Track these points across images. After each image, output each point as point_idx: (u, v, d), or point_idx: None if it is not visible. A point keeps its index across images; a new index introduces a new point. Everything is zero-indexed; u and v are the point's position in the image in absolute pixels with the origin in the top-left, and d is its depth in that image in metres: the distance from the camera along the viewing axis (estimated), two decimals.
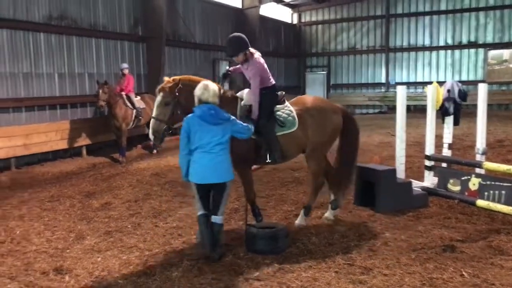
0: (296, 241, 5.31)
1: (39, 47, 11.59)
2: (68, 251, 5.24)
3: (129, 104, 11.99)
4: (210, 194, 4.91)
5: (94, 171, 10.20)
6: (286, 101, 5.77)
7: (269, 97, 5.62)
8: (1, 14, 10.65)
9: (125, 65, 12.48)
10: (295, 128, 5.59)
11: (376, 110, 23.97)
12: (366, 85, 24.77)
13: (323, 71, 25.76)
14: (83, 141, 11.96)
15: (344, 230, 5.69)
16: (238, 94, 5.69)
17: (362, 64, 24.79)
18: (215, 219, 4.84)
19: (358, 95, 24.61)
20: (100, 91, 11.23)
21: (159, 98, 5.13)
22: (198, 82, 5.17)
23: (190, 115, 4.83)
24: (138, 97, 12.55)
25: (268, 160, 5.55)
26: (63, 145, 11.44)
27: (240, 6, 20.75)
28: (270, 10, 23.33)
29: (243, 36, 5.53)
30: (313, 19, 25.92)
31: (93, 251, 5.24)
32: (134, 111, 12.04)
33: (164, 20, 14.91)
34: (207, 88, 4.82)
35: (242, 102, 5.54)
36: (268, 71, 5.69)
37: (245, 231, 5.20)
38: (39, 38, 11.58)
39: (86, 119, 12.55)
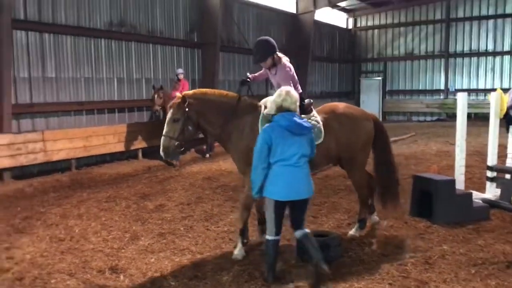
0: (348, 250, 5.18)
1: (100, 53, 12.08)
2: (123, 251, 5.38)
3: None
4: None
5: (149, 174, 10.47)
6: (313, 109, 5.44)
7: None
8: (66, 21, 11.20)
9: (180, 70, 12.75)
10: (320, 140, 5.20)
11: (434, 118, 23.14)
12: (424, 92, 23.96)
13: (378, 76, 25.20)
14: (139, 144, 12.31)
15: (399, 241, 5.49)
16: (261, 102, 5.36)
17: (420, 70, 24.01)
18: (302, 232, 4.42)
19: (415, 102, 23.85)
20: (156, 96, 11.53)
21: (169, 115, 5.07)
22: (211, 93, 5.22)
23: (270, 124, 4.33)
24: None
25: None
26: (120, 147, 11.84)
27: (294, 11, 20.71)
28: (325, 15, 23.13)
29: (271, 39, 5.35)
30: (369, 23, 25.44)
31: (146, 252, 5.35)
32: None
33: (219, 26, 15.13)
34: (289, 94, 4.33)
35: (265, 111, 5.13)
36: (296, 78, 5.46)
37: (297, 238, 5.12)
38: (100, 44, 12.08)
39: (142, 123, 12.92)
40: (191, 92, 5.21)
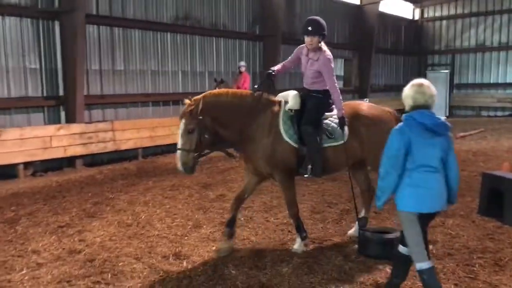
0: None
1: (166, 46, 12.46)
2: (186, 238, 5.55)
3: None
4: None
5: (211, 164, 10.68)
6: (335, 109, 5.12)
7: (322, 102, 5.05)
8: (135, 15, 11.63)
9: (242, 63, 12.88)
10: (343, 141, 4.95)
11: (506, 113, 21.88)
12: (496, 85, 22.69)
13: (446, 69, 24.14)
14: None
15: (466, 240, 5.27)
16: (280, 96, 5.10)
17: (492, 62, 22.74)
18: (424, 265, 3.53)
19: (486, 96, 22.66)
20: (217, 89, 11.72)
21: (181, 125, 4.58)
22: (223, 94, 4.85)
23: (405, 123, 3.54)
24: None
25: (307, 175, 4.93)
26: None
27: (358, 2, 20.27)
28: (390, 6, 22.44)
29: (324, 22, 5.01)
30: (437, 14, 24.41)
31: (208, 240, 5.48)
32: None
33: (281, 18, 15.11)
34: (422, 87, 3.54)
35: (287, 106, 4.93)
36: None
37: (359, 234, 5.06)
38: (166, 37, 12.45)
39: None
40: (200, 96, 4.71)
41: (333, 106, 5.07)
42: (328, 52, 4.98)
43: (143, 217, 6.46)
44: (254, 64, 15.30)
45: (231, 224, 5.09)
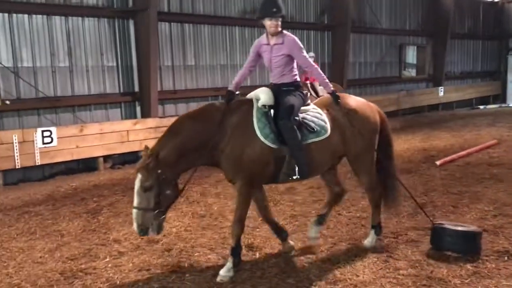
0: (494, 244, 4.76)
1: (234, 41, 12.61)
2: (258, 230, 5.61)
3: (312, 93, 12.21)
4: None
5: None
6: (311, 102, 4.72)
7: (296, 94, 4.49)
8: (204, 11, 11.87)
9: (311, 54, 12.69)
10: (327, 134, 4.49)
11: None
12: None
13: None
14: None
15: None
16: (251, 95, 4.53)
17: None
18: None
19: None
20: None
21: (136, 182, 4.01)
22: (182, 127, 4.20)
23: None
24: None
25: (296, 176, 4.37)
26: None
27: None
28: None
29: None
30: None
31: None
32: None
33: (351, 7, 14.77)
34: None
35: (260, 103, 4.38)
36: None
37: (432, 227, 4.84)
38: (234, 32, 12.60)
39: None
40: (156, 145, 4.14)
41: (308, 100, 4.63)
42: (290, 35, 4.45)
43: (215, 208, 6.61)
44: (323, 54, 15.09)
45: (276, 231, 4.87)
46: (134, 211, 3.99)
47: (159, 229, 4.08)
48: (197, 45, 11.87)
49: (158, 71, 10.98)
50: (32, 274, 4.58)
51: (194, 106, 11.82)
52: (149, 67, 10.50)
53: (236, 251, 4.37)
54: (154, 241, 5.35)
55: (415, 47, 19.96)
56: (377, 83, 17.59)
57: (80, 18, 9.86)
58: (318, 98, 5.01)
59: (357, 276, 4.24)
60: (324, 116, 4.54)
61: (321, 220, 5.07)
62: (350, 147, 4.68)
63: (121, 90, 10.71)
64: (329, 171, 5.00)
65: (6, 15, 8.79)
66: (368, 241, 4.93)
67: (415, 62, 20.19)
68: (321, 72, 4.59)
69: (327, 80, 4.55)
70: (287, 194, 7.25)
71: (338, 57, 14.97)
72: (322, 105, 4.69)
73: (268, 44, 4.47)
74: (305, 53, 4.46)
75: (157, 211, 3.98)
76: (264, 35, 4.53)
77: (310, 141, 4.39)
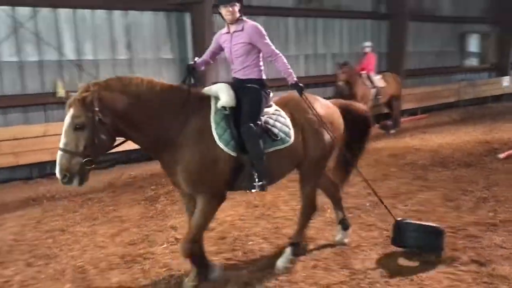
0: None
1: (288, 31, 12.55)
2: (311, 221, 5.56)
3: (368, 83, 11.98)
4: None
5: None
6: (273, 103, 4.27)
7: (261, 94, 4.03)
8: (259, 2, 11.87)
9: (367, 44, 12.46)
10: (291, 141, 4.08)
11: None
12: None
13: None
14: None
15: None
16: (210, 91, 4.00)
17: None
18: None
19: None
20: (340, 71, 11.52)
21: (67, 118, 3.37)
22: (137, 82, 3.62)
23: None
24: (379, 76, 12.41)
25: (255, 188, 3.88)
26: None
27: None
28: None
29: None
30: None
31: (333, 224, 5.45)
32: (374, 90, 11.98)
33: None
34: None
35: (219, 103, 3.86)
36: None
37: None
38: (289, 22, 12.53)
39: (326, 98, 13.04)
40: (102, 82, 3.55)
41: (270, 101, 4.21)
42: (252, 23, 4.06)
43: (268, 199, 6.65)
44: (379, 44, 14.70)
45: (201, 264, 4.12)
46: (59, 153, 3.34)
47: (82, 180, 3.41)
48: None
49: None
50: (94, 257, 4.82)
51: None
52: None
53: (202, 263, 3.97)
54: (209, 229, 5.47)
55: (478, 35, 19.02)
56: (437, 73, 16.96)
57: (138, 12, 10.15)
58: (280, 97, 4.47)
59: (413, 270, 4.15)
60: (288, 120, 4.13)
61: (344, 225, 4.91)
62: (308, 154, 4.26)
63: (178, 82, 10.91)
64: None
65: (70, 10, 9.19)
66: (280, 261, 4.33)
67: (477, 51, 19.25)
68: (285, 61, 4.08)
69: (291, 70, 4.10)
70: None
71: (395, 47, 14.51)
72: (285, 107, 4.25)
73: (228, 32, 4.09)
74: (267, 40, 4.02)
75: (86, 158, 3.35)
76: (226, 24, 4.13)
77: (272, 149, 3.96)
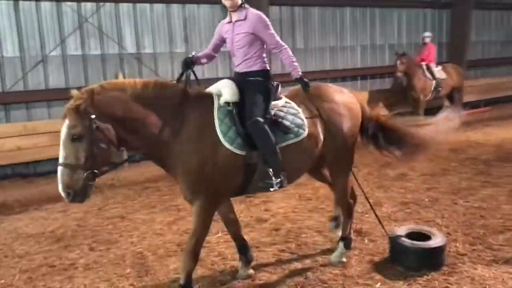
0: None
1: (345, 22, 12.33)
2: (366, 215, 5.49)
3: (428, 75, 11.56)
4: None
5: None
6: (283, 96, 4.01)
7: (266, 86, 3.78)
8: None
9: (427, 34, 12.01)
10: (305, 134, 3.82)
11: None
12: None
13: None
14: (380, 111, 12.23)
15: None
16: (211, 89, 3.77)
17: None
18: None
19: None
20: (398, 62, 11.19)
21: (63, 129, 3.13)
22: (130, 84, 3.39)
23: None
24: (439, 67, 11.94)
25: (273, 187, 3.61)
26: None
27: None
28: None
29: None
30: None
31: (389, 219, 5.34)
32: (434, 82, 11.55)
33: None
34: None
35: (222, 100, 3.63)
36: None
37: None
38: (345, 12, 12.30)
39: (383, 90, 12.74)
40: (96, 86, 3.28)
41: (280, 93, 3.94)
42: (255, 12, 3.80)
43: (322, 192, 6.59)
44: (440, 34, 14.15)
45: (243, 250, 4.17)
46: (59, 168, 3.10)
47: (83, 196, 3.18)
48: (306, 27, 11.80)
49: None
50: (153, 244, 4.98)
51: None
52: None
53: (188, 284, 3.57)
54: (262, 220, 5.52)
55: None
56: (502, 63, 16.07)
57: (195, 5, 10.31)
58: (291, 90, 4.22)
59: (475, 269, 3.99)
60: (300, 112, 3.87)
61: (337, 223, 4.71)
62: (328, 147, 4.01)
63: (231, 75, 11.02)
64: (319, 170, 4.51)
65: (130, 5, 9.48)
66: (334, 256, 4.29)
67: None
68: (291, 54, 3.82)
69: (296, 64, 3.83)
70: (398, 180, 6.99)
71: (457, 37, 13.87)
72: (296, 98, 3.99)
73: (230, 22, 3.85)
74: (272, 31, 3.77)
75: (89, 171, 3.12)
76: (228, 13, 3.89)
77: (285, 143, 3.70)
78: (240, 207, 5.98)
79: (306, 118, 3.86)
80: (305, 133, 3.81)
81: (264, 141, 3.53)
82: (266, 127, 3.55)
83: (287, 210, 5.86)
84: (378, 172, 7.56)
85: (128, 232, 5.40)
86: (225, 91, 3.64)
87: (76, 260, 4.69)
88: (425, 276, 3.92)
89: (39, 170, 8.48)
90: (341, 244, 4.36)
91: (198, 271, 4.25)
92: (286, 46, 3.81)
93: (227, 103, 3.61)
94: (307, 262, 4.35)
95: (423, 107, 11.52)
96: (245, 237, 4.33)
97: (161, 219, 5.80)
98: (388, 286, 3.84)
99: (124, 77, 9.15)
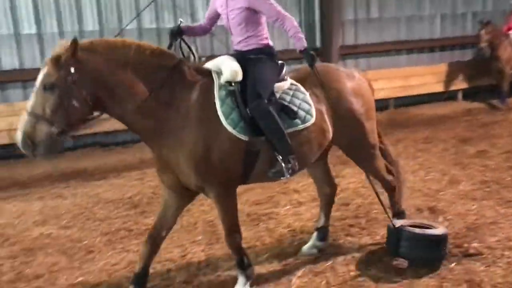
0: None
1: None
2: (441, 193, 5.27)
3: None
4: None
5: (470, 117, 9.77)
6: (288, 77, 3.61)
7: (269, 64, 3.43)
8: None
9: None
10: (313, 120, 3.45)
11: None
12: None
13: None
14: (460, 84, 11.56)
15: None
16: (210, 66, 3.40)
17: None
18: None
19: None
20: (482, 31, 10.44)
21: (38, 78, 2.90)
22: (123, 44, 3.07)
23: None
24: None
25: (285, 174, 3.29)
26: (439, 88, 11.39)
27: None
28: None
29: None
30: None
31: (467, 198, 5.09)
32: None
33: None
34: None
35: (223, 79, 3.27)
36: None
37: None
38: None
39: (464, 62, 11.97)
40: (86, 41, 3.03)
41: (284, 74, 3.56)
42: None
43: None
44: None
45: (138, 280, 3.41)
46: (23, 117, 2.86)
47: (46, 151, 2.88)
48: None
49: (340, 26, 10.80)
50: None
51: (375, 61, 11.43)
52: (331, 22, 10.40)
53: (242, 263, 3.46)
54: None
55: None
56: None
57: None
58: (295, 70, 3.84)
59: None
60: (307, 96, 3.52)
61: (321, 235, 4.13)
62: (341, 134, 3.70)
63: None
64: (318, 164, 4.05)
65: None
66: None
67: None
68: (296, 24, 3.43)
69: (301, 35, 3.43)
70: (477, 157, 6.63)
71: None
72: (303, 80, 3.61)
73: None
74: (270, 0, 3.38)
75: (53, 127, 2.83)
76: None
77: (291, 130, 3.36)
78: (308, 181, 5.95)
79: (313, 103, 3.51)
80: (313, 119, 3.45)
81: (270, 124, 3.20)
82: (271, 109, 3.23)
83: (357, 185, 5.76)
84: (456, 149, 7.21)
85: (199, 201, 5.56)
86: (226, 69, 3.26)
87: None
88: (505, 258, 3.71)
89: (117, 139, 8.91)
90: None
91: (267, 241, 4.32)
92: (288, 15, 3.42)
93: (229, 83, 3.26)
94: (378, 238, 4.26)
95: (508, 80, 10.71)
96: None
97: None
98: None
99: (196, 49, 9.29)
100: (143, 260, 3.40)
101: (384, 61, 11.51)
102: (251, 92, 3.22)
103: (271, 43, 3.54)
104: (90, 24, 8.69)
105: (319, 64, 3.62)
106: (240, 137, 3.15)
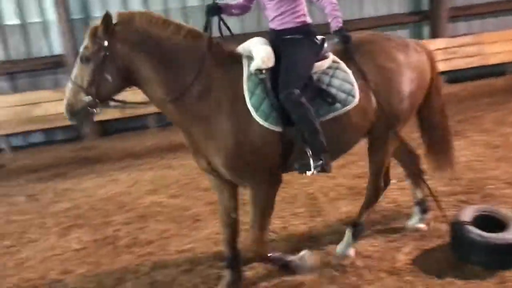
0: None
1: None
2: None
3: None
4: None
5: None
6: (330, 53, 3.17)
7: (307, 46, 3.06)
8: None
9: None
10: (355, 102, 3.06)
11: None
12: None
13: None
14: None
15: None
16: (241, 49, 3.08)
17: None
18: None
19: None
20: None
21: (80, 49, 2.91)
22: (162, 25, 2.87)
23: None
24: None
25: (311, 170, 2.93)
26: None
27: None
28: None
29: None
30: None
31: None
32: None
33: None
34: None
35: (252, 66, 2.94)
36: None
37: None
38: None
39: None
40: (126, 12, 2.93)
41: (325, 51, 3.13)
42: None
43: (511, 139, 5.86)
44: None
45: (231, 263, 3.36)
46: (68, 85, 2.94)
47: (79, 120, 2.95)
48: None
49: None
50: (324, 186, 5.06)
51: (490, 22, 10.42)
52: None
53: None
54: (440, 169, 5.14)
55: None
56: None
57: None
58: (337, 44, 3.18)
59: None
60: (350, 74, 3.11)
61: (422, 207, 3.92)
62: (380, 114, 3.23)
63: (409, 10, 10.23)
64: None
65: None
66: (339, 247, 3.62)
67: None
68: (334, 0, 3.05)
69: (338, 13, 3.05)
70: None
71: None
72: (343, 56, 3.17)
73: None
74: None
75: (89, 96, 2.85)
76: None
77: (330, 115, 3.03)
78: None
79: (356, 83, 3.12)
80: (356, 100, 3.09)
81: (301, 117, 2.89)
82: (304, 99, 2.89)
83: (470, 159, 5.35)
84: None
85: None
86: (257, 54, 2.97)
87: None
88: None
89: None
90: (349, 234, 3.64)
91: (370, 216, 4.19)
92: None
93: (259, 71, 2.96)
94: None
95: None
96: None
97: (334, 162, 5.80)
98: None
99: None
100: (228, 245, 3.37)
101: (501, 21, 10.45)
102: (282, 80, 2.95)
103: (309, 20, 3.18)
104: (136, 4, 8.84)
105: (366, 33, 3.43)
106: (273, 128, 2.92)
